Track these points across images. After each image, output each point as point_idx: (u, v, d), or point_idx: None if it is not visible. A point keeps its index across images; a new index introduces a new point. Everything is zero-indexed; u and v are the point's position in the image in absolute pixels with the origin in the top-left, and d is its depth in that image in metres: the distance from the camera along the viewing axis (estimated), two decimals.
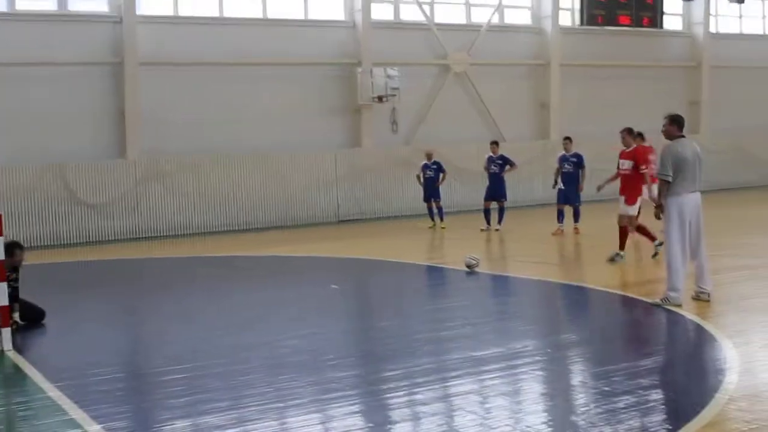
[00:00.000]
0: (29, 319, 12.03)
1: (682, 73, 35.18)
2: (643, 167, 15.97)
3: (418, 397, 7.88)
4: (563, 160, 21.34)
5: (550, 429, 6.93)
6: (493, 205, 22.75)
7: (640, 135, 18.55)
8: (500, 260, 17.92)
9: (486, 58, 30.67)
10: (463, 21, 31.10)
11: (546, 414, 7.47)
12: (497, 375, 8.52)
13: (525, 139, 31.36)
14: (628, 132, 16.60)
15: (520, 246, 19.88)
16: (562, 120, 31.70)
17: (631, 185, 16.15)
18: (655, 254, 15.56)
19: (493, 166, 22.67)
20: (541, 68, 32.06)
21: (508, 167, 22.53)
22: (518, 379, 8.49)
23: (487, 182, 23.02)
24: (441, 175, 23.97)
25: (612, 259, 15.65)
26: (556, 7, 31.81)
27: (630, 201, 16.00)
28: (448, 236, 22.33)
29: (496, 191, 22.63)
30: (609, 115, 32.21)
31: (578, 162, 21.10)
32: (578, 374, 8.90)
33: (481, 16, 31.14)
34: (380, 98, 27.96)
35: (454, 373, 8.66)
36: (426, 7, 30.07)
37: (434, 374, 8.63)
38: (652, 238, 15.83)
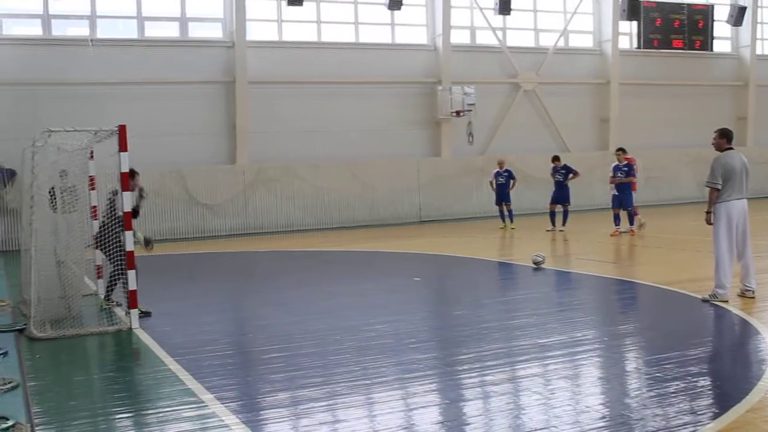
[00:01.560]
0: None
1: (730, 91, 34.45)
2: None
3: (488, 378, 7.85)
4: (616, 169, 21.09)
5: (606, 410, 6.84)
6: (558, 208, 22.62)
7: (622, 149, 20.91)
8: (564, 258, 17.73)
9: (552, 77, 30.46)
10: (532, 44, 30.90)
11: (603, 396, 7.38)
12: (560, 360, 8.44)
13: (587, 149, 31.03)
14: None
15: (582, 245, 19.64)
16: (621, 133, 31.32)
17: None
18: None
19: (557, 175, 22.60)
20: (602, 87, 31.69)
21: (571, 175, 22.39)
22: (578, 364, 8.39)
23: (552, 188, 22.88)
24: (511, 181, 23.92)
25: None
26: (615, 32, 31.44)
27: None
28: (517, 236, 22.19)
29: (560, 196, 22.55)
30: (664, 129, 31.86)
31: (628, 171, 20.83)
32: (632, 361, 8.77)
33: (548, 40, 30.95)
34: (458, 113, 28.01)
35: (521, 358, 8.60)
36: (499, 33, 29.96)
37: (503, 358, 8.58)
38: None
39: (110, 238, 11.72)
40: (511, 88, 30.25)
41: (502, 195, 24.03)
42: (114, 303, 11.94)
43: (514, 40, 30.58)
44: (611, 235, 20.58)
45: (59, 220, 12.60)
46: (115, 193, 11.53)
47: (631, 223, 20.97)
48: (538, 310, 11.67)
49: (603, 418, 6.56)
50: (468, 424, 6.55)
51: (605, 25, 31.69)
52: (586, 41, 32.03)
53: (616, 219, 20.95)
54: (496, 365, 8.27)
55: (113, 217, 11.60)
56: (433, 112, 28.59)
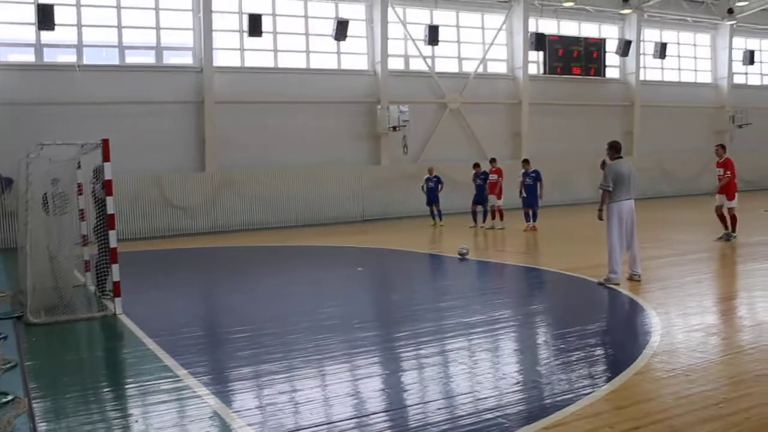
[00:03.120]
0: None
1: (619, 110, 35.08)
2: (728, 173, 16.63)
3: (422, 351, 7.88)
4: (525, 175, 21.53)
5: (521, 376, 6.92)
6: (479, 208, 22.82)
7: (494, 160, 22.31)
8: (484, 250, 17.87)
9: (473, 98, 30.70)
10: (456, 70, 31.08)
11: (518, 365, 7.47)
12: (482, 336, 8.51)
13: (503, 158, 31.29)
14: (721, 147, 17.11)
15: (500, 239, 19.84)
16: (530, 144, 31.73)
17: (727, 186, 16.67)
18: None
19: (478, 180, 22.79)
20: (515, 106, 32.02)
21: (489, 181, 22.56)
22: (498, 338, 8.47)
23: (474, 191, 23.08)
24: (440, 185, 24.03)
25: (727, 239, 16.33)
26: (525, 61, 31.79)
27: (730, 197, 16.66)
28: (446, 231, 22.30)
29: (480, 198, 22.74)
30: (565, 141, 32.36)
31: (536, 177, 21.22)
32: (541, 335, 8.89)
33: (470, 67, 31.16)
34: (394, 128, 28.12)
35: (449, 334, 8.65)
36: (428, 60, 30.09)
37: (434, 335, 8.62)
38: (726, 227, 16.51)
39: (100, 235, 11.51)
40: (439, 107, 30.40)
41: (432, 197, 24.14)
42: (109, 292, 11.62)
43: (441, 66, 30.73)
44: (524, 231, 20.84)
45: (51, 222, 12.33)
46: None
47: (534, 219, 21.25)
48: (463, 294, 11.76)
49: (518, 383, 6.64)
50: (406, 391, 6.57)
51: (517, 54, 32.00)
52: (501, 68, 32.32)
53: (526, 216, 21.24)
54: (428, 341, 8.30)
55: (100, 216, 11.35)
56: (374, 126, 28.61)
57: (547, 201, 28.81)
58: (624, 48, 34.20)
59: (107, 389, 7.05)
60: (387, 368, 7.41)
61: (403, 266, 15.91)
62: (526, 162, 21.98)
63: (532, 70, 32.73)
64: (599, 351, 7.78)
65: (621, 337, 8.58)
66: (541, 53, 32.57)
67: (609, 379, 6.59)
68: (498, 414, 5.78)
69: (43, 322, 9.98)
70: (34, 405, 6.36)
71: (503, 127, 31.96)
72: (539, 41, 31.92)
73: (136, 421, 6.01)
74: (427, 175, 24.35)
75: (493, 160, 22.87)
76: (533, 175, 21.31)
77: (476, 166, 23.25)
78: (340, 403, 6.30)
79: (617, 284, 11.27)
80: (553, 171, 31.42)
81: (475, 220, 22.71)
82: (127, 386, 7.17)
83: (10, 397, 6.40)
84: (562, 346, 7.84)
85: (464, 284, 13.05)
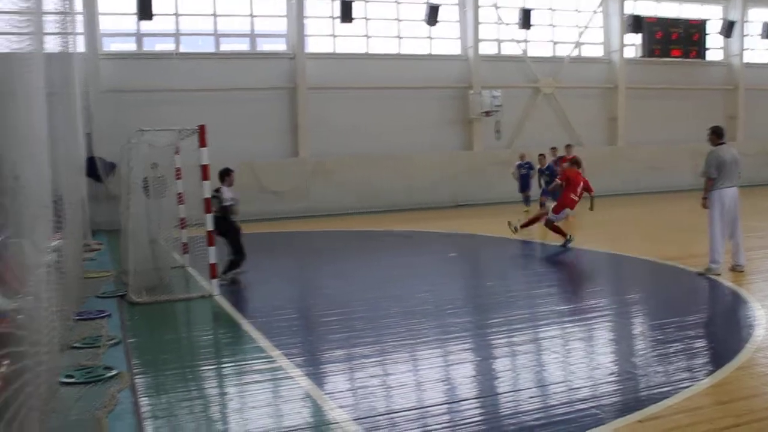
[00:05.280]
0: (234, 251, 12.05)
1: (721, 94, 33.74)
2: None
3: (515, 339, 7.83)
4: (540, 172, 21.61)
5: (616, 367, 6.79)
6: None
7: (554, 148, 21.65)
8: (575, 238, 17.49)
9: (568, 82, 30.08)
10: (550, 54, 30.53)
11: (613, 355, 7.33)
12: (576, 324, 8.39)
13: (598, 144, 30.70)
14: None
15: (590, 227, 19.37)
16: (627, 130, 30.98)
17: None
18: None
19: (522, 170, 23.33)
20: (611, 90, 31.24)
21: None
22: (592, 327, 8.34)
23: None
24: (531, 171, 23.64)
25: None
26: (622, 44, 30.98)
27: None
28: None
29: (524, 186, 23.30)
30: (664, 127, 31.40)
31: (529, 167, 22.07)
32: (638, 325, 8.69)
33: (564, 51, 30.55)
34: (487, 113, 27.86)
35: (542, 322, 8.56)
36: (521, 44, 29.67)
37: (527, 322, 8.55)
38: None
39: (222, 227, 11.70)
40: (532, 91, 29.93)
41: (525, 184, 23.83)
42: (228, 278, 11.88)
43: (535, 50, 30.24)
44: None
45: (151, 205, 12.77)
46: (217, 190, 11.63)
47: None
48: (556, 281, 11.61)
49: (613, 374, 6.52)
50: (497, 378, 6.54)
51: (613, 37, 31.20)
52: (596, 51, 31.57)
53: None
54: (521, 328, 8.24)
55: (220, 210, 11.66)
56: (466, 112, 28.42)
57: (645, 188, 28.17)
58: (727, 29, 32.88)
59: (203, 368, 7.26)
60: (479, 354, 7.38)
61: (495, 252, 15.78)
62: (541, 156, 21.72)
63: (629, 53, 31.84)
64: (699, 344, 7.54)
65: (722, 330, 8.31)
66: (638, 36, 31.67)
67: (709, 373, 6.38)
68: (592, 405, 5.69)
69: (144, 301, 10.35)
70: (136, 380, 6.62)
71: (598, 112, 31.24)
72: (636, 23, 31.01)
73: (231, 400, 6.18)
74: (519, 162, 24.03)
75: (569, 146, 22.27)
76: (547, 172, 21.09)
77: (541, 156, 22.09)
78: (431, 388, 6.32)
79: (718, 275, 10.89)
80: (652, 157, 30.60)
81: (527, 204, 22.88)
82: (222, 365, 7.37)
83: (114, 372, 6.69)
84: (660, 337, 7.65)
85: (557, 271, 12.88)
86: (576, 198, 14.95)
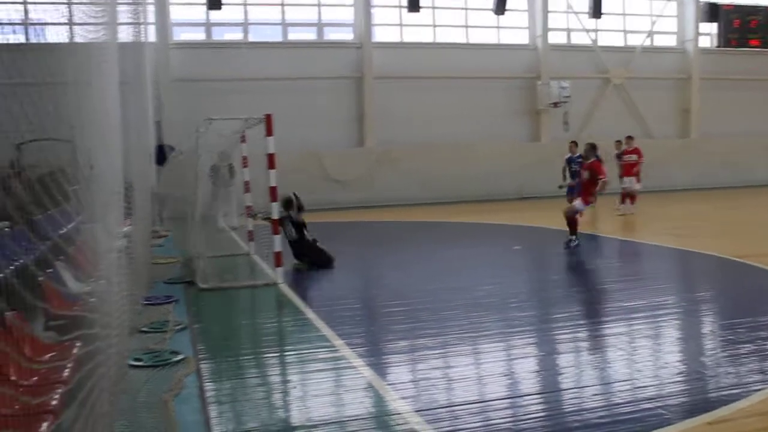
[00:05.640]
0: (320, 264, 12.36)
1: None
2: None
3: (579, 334, 7.74)
4: (569, 161, 19.32)
5: (684, 366, 6.64)
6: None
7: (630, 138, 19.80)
8: (640, 232, 17.17)
9: (639, 72, 29.46)
10: (621, 43, 29.95)
11: (681, 354, 7.17)
12: (642, 321, 8.21)
13: (670, 136, 30.03)
14: None
15: (662, 221, 18.97)
16: (701, 122, 30.21)
17: None
18: None
19: (573, 165, 21.19)
20: (684, 81, 30.48)
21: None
22: (660, 325, 8.16)
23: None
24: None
25: None
26: (696, 33, 30.18)
27: None
28: (604, 212, 21.46)
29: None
30: (739, 118, 30.48)
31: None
32: (707, 324, 8.48)
33: (636, 40, 29.92)
34: (555, 104, 27.54)
35: (607, 318, 8.43)
36: (591, 33, 29.17)
37: (592, 318, 8.44)
38: None
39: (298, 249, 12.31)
40: (602, 82, 29.43)
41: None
42: (302, 265, 12.27)
43: (605, 39, 29.71)
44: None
45: (219, 193, 12.99)
46: (287, 217, 12.29)
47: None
48: (623, 276, 11.41)
49: (680, 373, 6.38)
50: (560, 374, 6.47)
51: (688, 26, 30.45)
52: (670, 41, 30.84)
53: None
54: (586, 324, 8.15)
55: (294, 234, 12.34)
56: (534, 102, 28.16)
57: (717, 182, 27.45)
58: None
59: (267, 354, 7.36)
60: (542, 349, 7.32)
61: (560, 246, 15.57)
62: (573, 144, 19.69)
63: (705, 42, 31.00)
64: None
65: None
66: (714, 25, 30.78)
67: None
68: (658, 404, 5.57)
69: (211, 287, 10.54)
70: (201, 365, 6.76)
71: (671, 103, 30.55)
72: (712, 12, 30.17)
73: (294, 387, 6.26)
74: (569, 155, 23.38)
75: (629, 138, 20.85)
76: (580, 161, 18.09)
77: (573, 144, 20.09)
78: (493, 382, 6.29)
79: None
80: (727, 150, 29.77)
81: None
82: (286, 353, 7.47)
83: (180, 357, 6.84)
84: (731, 337, 7.44)
85: (623, 266, 12.66)
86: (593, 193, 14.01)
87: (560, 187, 19.04)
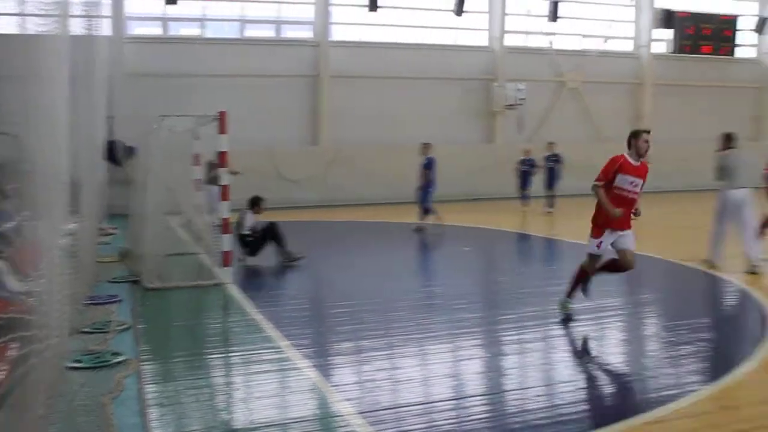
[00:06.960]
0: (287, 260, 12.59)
1: (750, 92, 33.37)
2: None
3: (525, 336, 7.83)
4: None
5: (625, 368, 6.78)
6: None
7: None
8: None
9: (594, 77, 29.86)
10: (577, 47, 30.33)
11: (622, 356, 7.31)
12: (587, 324, 8.35)
13: (620, 140, 30.43)
14: None
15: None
16: (654, 128, 30.62)
17: None
18: None
19: (549, 162, 22.75)
20: (638, 86, 31.00)
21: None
22: (603, 327, 8.32)
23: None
24: (534, 169, 23.22)
25: None
26: (649, 39, 30.76)
27: None
28: (561, 215, 21.78)
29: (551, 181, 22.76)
30: (692, 125, 31.10)
31: (557, 160, 21.96)
32: (650, 326, 8.66)
33: (592, 44, 30.35)
34: (510, 106, 27.73)
35: (553, 320, 8.52)
36: (548, 37, 29.52)
37: (538, 320, 8.52)
38: None
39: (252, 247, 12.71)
40: (557, 85, 29.75)
41: (525, 181, 23.44)
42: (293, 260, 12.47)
43: (561, 43, 30.06)
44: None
45: (170, 192, 12.84)
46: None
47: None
48: (568, 279, 11.52)
49: (621, 375, 6.52)
50: (505, 375, 6.56)
51: (644, 32, 30.93)
52: (626, 46, 31.31)
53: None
54: (532, 325, 8.23)
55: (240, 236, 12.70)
56: (489, 104, 28.33)
57: (666, 187, 27.93)
58: (761, 25, 32.48)
59: (211, 355, 7.32)
60: (487, 351, 7.40)
61: (510, 248, 15.76)
62: (551, 144, 21.80)
63: (660, 48, 31.54)
64: (710, 346, 7.50)
65: (735, 333, 8.24)
66: (670, 31, 31.35)
67: (718, 377, 6.34)
68: (597, 405, 5.69)
69: (156, 287, 10.43)
70: (143, 367, 6.69)
71: (624, 107, 30.99)
72: (668, 18, 30.74)
73: (238, 389, 6.25)
74: (547, 153, 23.72)
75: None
76: (554, 158, 21.30)
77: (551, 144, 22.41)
78: (438, 383, 6.35)
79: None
80: (678, 155, 30.32)
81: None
82: (230, 354, 7.44)
83: (121, 358, 6.77)
84: (672, 339, 7.61)
85: (572, 269, 12.79)
86: None
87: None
